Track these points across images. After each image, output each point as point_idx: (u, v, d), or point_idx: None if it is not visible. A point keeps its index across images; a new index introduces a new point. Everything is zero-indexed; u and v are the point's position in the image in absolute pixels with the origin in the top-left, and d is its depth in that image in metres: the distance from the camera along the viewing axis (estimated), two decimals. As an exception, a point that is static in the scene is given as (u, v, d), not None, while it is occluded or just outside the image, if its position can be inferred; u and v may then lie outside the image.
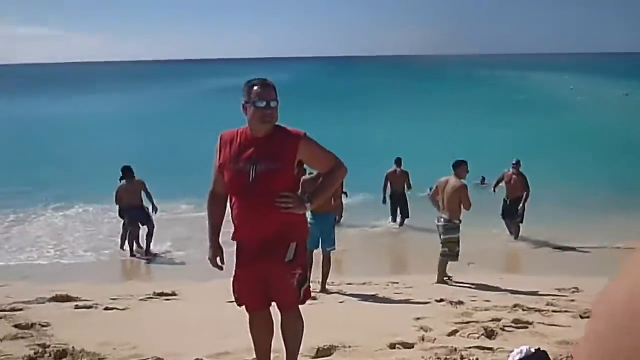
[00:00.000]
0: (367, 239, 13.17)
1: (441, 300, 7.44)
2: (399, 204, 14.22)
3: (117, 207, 12.30)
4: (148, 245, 11.92)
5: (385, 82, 68.84)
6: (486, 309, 6.75)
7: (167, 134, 29.90)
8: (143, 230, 12.13)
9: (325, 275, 8.55)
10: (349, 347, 4.70)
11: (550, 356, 3.79)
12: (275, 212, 3.56)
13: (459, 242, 9.21)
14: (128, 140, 27.78)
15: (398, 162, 14.34)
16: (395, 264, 12.19)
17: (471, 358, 4.32)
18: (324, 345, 4.65)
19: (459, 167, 9.26)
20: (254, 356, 3.99)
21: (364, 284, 9.14)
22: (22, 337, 5.00)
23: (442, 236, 9.28)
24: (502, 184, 12.96)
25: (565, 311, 6.70)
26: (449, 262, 9.32)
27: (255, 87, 3.61)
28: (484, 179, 16.38)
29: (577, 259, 11.30)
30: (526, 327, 5.69)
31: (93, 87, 79.29)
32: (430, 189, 16.04)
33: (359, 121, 32.07)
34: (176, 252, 12.21)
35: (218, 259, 3.79)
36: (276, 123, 3.66)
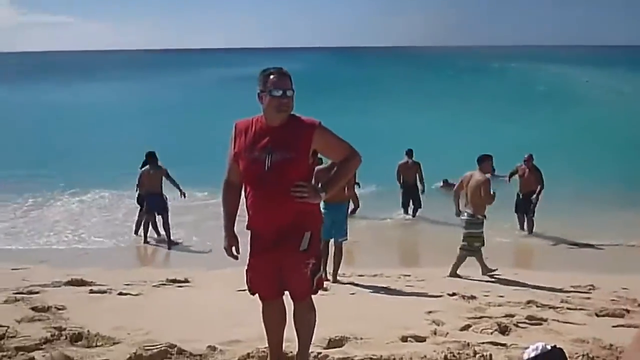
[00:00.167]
0: (379, 231, 13.16)
1: (454, 294, 7.42)
2: (410, 196, 14.21)
3: (137, 193, 12.38)
4: (169, 235, 11.97)
5: (394, 72, 68.58)
6: (500, 305, 6.72)
7: (179, 123, 30.06)
8: (158, 219, 12.21)
9: (337, 266, 8.57)
10: (361, 339, 4.70)
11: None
12: (291, 202, 3.56)
13: (480, 237, 9.22)
14: (140, 129, 27.97)
15: (409, 153, 14.31)
16: (407, 257, 12.18)
17: (484, 354, 4.30)
18: (336, 337, 4.66)
19: (484, 162, 9.28)
20: (266, 345, 4.01)
21: (375, 276, 9.14)
22: (38, 320, 5.06)
23: (464, 231, 9.29)
24: (516, 177, 12.90)
25: (581, 309, 6.65)
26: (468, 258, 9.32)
27: (271, 76, 3.60)
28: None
29: (592, 256, 11.21)
30: (540, 324, 5.66)
31: (99, 75, 79.91)
32: (444, 181, 16.19)
33: (368, 112, 31.97)
34: (189, 240, 12.29)
35: (233, 248, 3.80)
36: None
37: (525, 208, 12.59)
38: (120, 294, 7.03)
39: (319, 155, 3.84)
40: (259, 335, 4.10)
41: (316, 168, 3.79)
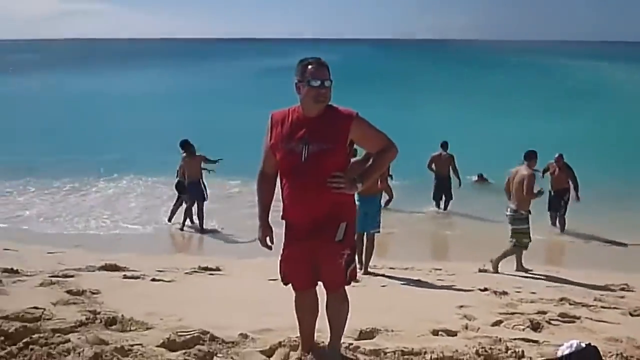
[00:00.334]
0: (411, 224, 13.11)
1: (485, 289, 7.37)
2: (443, 189, 14.13)
3: (176, 180, 12.57)
4: (202, 223, 12.15)
5: (431, 66, 67.86)
6: (532, 301, 6.65)
7: (215, 112, 30.25)
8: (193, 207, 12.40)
9: (368, 258, 8.58)
10: (392, 331, 4.69)
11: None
12: (327, 193, 3.55)
13: (527, 233, 9.27)
14: (175, 116, 28.30)
15: (444, 145, 14.20)
16: (438, 250, 12.11)
17: (516, 350, 4.25)
18: (367, 328, 4.65)
19: (530, 157, 9.41)
20: (298, 334, 4.02)
21: (406, 269, 9.12)
22: (73, 303, 5.15)
23: (510, 227, 9.34)
24: (548, 174, 12.78)
25: (615, 308, 6.55)
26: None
27: (309, 66, 3.59)
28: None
29: (626, 255, 11.03)
30: (573, 322, 5.59)
31: (137, 62, 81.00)
32: (479, 176, 16.12)
33: (403, 105, 31.77)
34: (221, 229, 12.40)
35: (267, 238, 3.80)
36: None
37: (556, 206, 12.50)
38: (153, 280, 7.12)
39: (354, 147, 3.83)
40: (290, 324, 4.12)
41: (351, 160, 3.78)
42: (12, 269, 6.81)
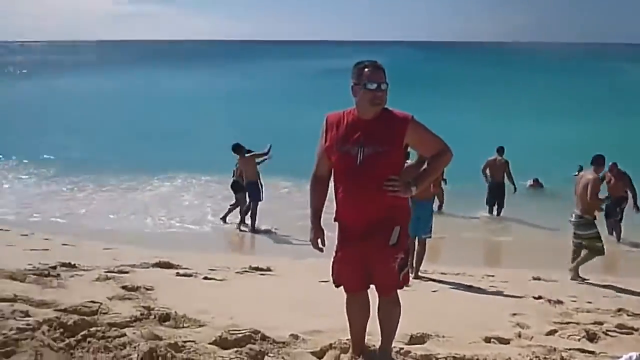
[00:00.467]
0: (463, 229, 12.93)
1: (539, 297, 7.21)
2: (496, 194, 13.91)
3: (232, 180, 12.76)
4: (254, 222, 12.31)
5: (482, 70, 66.56)
6: (588, 311, 6.48)
7: (267, 113, 30.53)
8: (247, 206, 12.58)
9: (419, 262, 8.51)
10: (443, 337, 4.63)
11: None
12: (382, 196, 3.55)
13: (598, 237, 9.13)
14: (229, 117, 28.69)
15: (500, 150, 13.99)
16: (491, 256, 11.91)
17: (572, 360, 4.15)
18: (417, 333, 4.61)
19: (597, 162, 9.29)
20: (349, 337, 4.02)
21: (458, 274, 8.99)
22: (128, 298, 5.27)
23: (575, 232, 9.20)
24: (604, 183, 12.50)
25: (676, 320, 6.30)
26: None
27: (366, 70, 3.59)
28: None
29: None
30: (631, 334, 5.41)
31: (195, 63, 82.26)
32: (534, 180, 15.88)
33: (456, 109, 31.28)
34: (275, 229, 12.50)
35: (320, 240, 3.81)
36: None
37: (613, 214, 12.21)
38: (205, 278, 7.22)
39: (408, 150, 3.81)
40: (341, 326, 4.12)
41: (405, 164, 3.77)
42: (70, 263, 7.02)
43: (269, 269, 8.38)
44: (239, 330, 4.24)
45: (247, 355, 3.88)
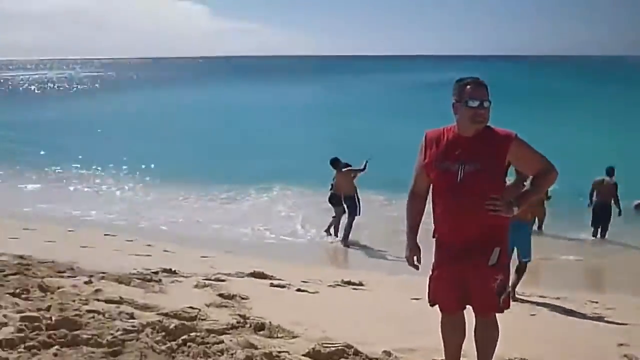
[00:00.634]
0: (565, 250, 12.34)
1: (649, 327, 6.78)
2: (602, 217, 13.23)
3: (330, 193, 12.89)
4: (347, 235, 12.38)
5: (585, 85, 63.61)
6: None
7: (357, 126, 30.64)
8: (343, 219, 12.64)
9: (515, 283, 8.21)
10: (543, 364, 4.45)
11: None
12: (482, 214, 3.47)
13: None
14: (322, 130, 29.06)
15: (610, 171, 13.30)
16: (594, 281, 11.29)
17: (684, 397, 3.87)
18: (515, 357, 4.46)
19: None
20: (442, 357, 3.94)
21: (558, 298, 8.58)
22: (225, 306, 5.41)
23: None
24: None
25: None
26: None
27: (468, 87, 3.53)
28: None
29: None
30: None
31: (287, 78, 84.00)
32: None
33: (558, 124, 30.13)
34: (365, 244, 12.46)
35: (415, 258, 3.76)
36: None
37: None
38: (299, 290, 7.29)
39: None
40: (435, 346, 4.04)
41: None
42: (170, 269, 7.30)
43: (361, 284, 8.35)
44: (332, 344, 4.26)
45: (341, 370, 3.88)
